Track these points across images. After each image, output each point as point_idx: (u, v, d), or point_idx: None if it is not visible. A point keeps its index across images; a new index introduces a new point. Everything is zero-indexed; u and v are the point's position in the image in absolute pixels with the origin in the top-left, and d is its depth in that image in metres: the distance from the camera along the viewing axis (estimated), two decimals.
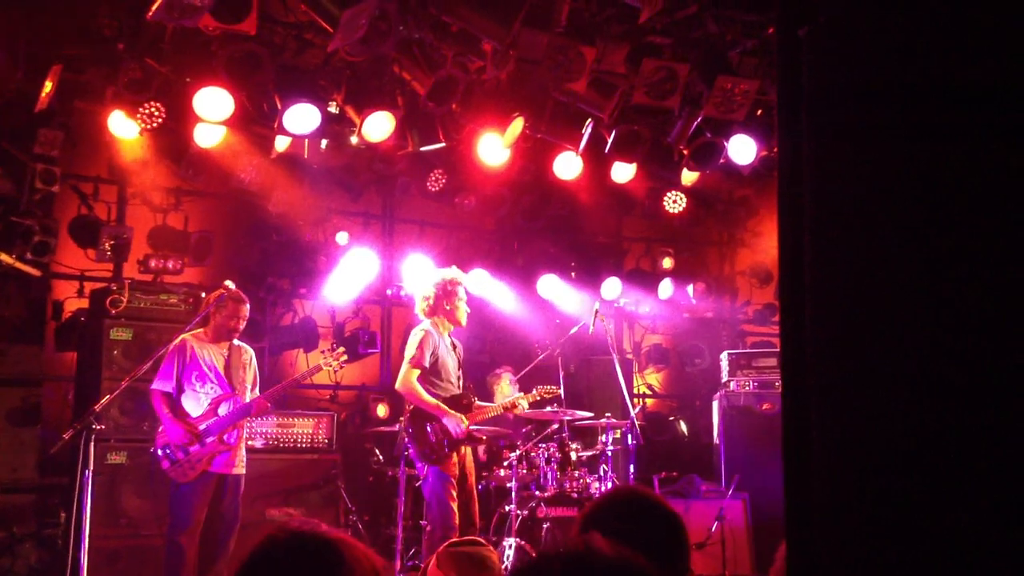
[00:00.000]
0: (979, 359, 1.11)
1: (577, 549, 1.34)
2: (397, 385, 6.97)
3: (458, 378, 7.14)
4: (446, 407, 6.88)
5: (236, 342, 6.89)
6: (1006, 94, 1.15)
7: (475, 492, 7.11)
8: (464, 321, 7.22)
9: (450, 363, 7.07)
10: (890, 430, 1.15)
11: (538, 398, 7.58)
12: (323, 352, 7.27)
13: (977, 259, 1.13)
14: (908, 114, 1.20)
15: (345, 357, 7.13)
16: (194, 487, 6.46)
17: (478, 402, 7.19)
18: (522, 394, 7.69)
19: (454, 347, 7.21)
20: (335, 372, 7.73)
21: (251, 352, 7.02)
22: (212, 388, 6.64)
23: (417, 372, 6.86)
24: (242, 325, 6.83)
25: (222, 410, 6.60)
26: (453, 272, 7.27)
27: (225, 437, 6.55)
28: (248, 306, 6.87)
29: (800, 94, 1.32)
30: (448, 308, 7.08)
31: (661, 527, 2.52)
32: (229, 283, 6.63)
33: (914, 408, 1.13)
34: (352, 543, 1.89)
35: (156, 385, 6.59)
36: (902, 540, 1.11)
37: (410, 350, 6.93)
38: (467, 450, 7.09)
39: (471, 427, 6.96)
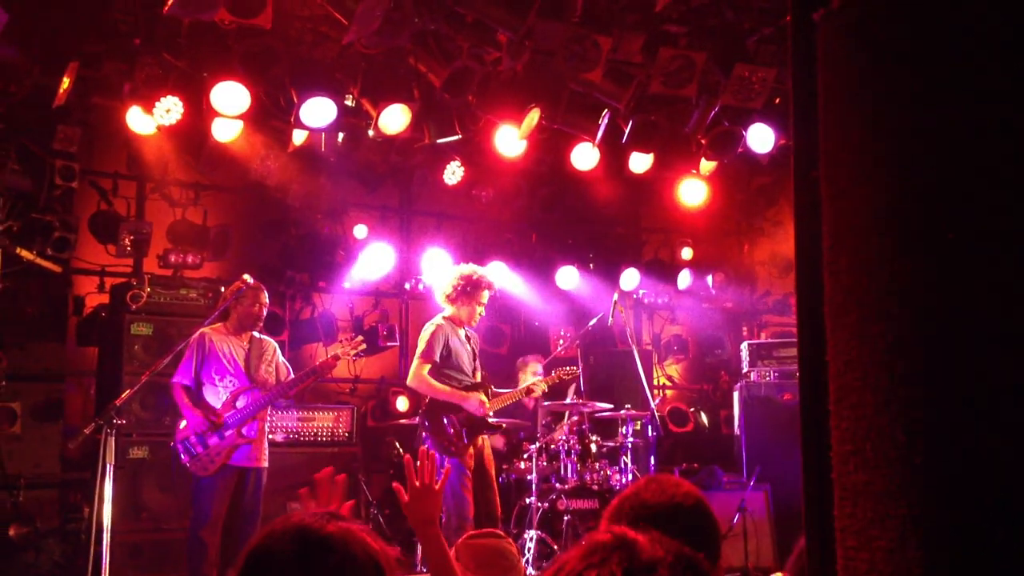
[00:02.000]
0: (998, 344, 1.09)
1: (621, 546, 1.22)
2: (408, 380, 7.00)
3: (474, 370, 7.14)
4: (459, 392, 6.90)
5: (257, 335, 6.89)
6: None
7: (495, 484, 7.10)
8: (474, 323, 7.19)
9: (464, 355, 7.08)
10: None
11: (557, 380, 7.55)
12: (341, 341, 7.21)
13: (993, 249, 1.11)
14: (924, 101, 1.18)
15: (364, 346, 7.04)
16: (214, 481, 6.47)
17: (495, 389, 7.18)
18: (539, 378, 7.66)
19: (468, 339, 7.20)
20: (354, 360, 7.66)
21: (273, 344, 7.03)
22: (231, 381, 6.64)
23: (428, 366, 6.88)
24: (264, 312, 6.84)
25: (240, 403, 6.60)
26: (484, 271, 7.25)
27: (244, 430, 6.54)
28: (267, 294, 6.89)
29: (814, 79, 1.29)
30: (465, 303, 7.06)
31: (696, 518, 2.46)
32: (247, 277, 6.64)
33: (933, 394, 1.12)
34: (355, 536, 1.88)
35: (176, 379, 6.60)
36: (922, 528, 1.09)
37: (420, 345, 6.96)
38: (485, 442, 7.09)
39: (490, 415, 6.96)
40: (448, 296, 7.10)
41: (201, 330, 6.60)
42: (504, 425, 7.44)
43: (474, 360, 7.19)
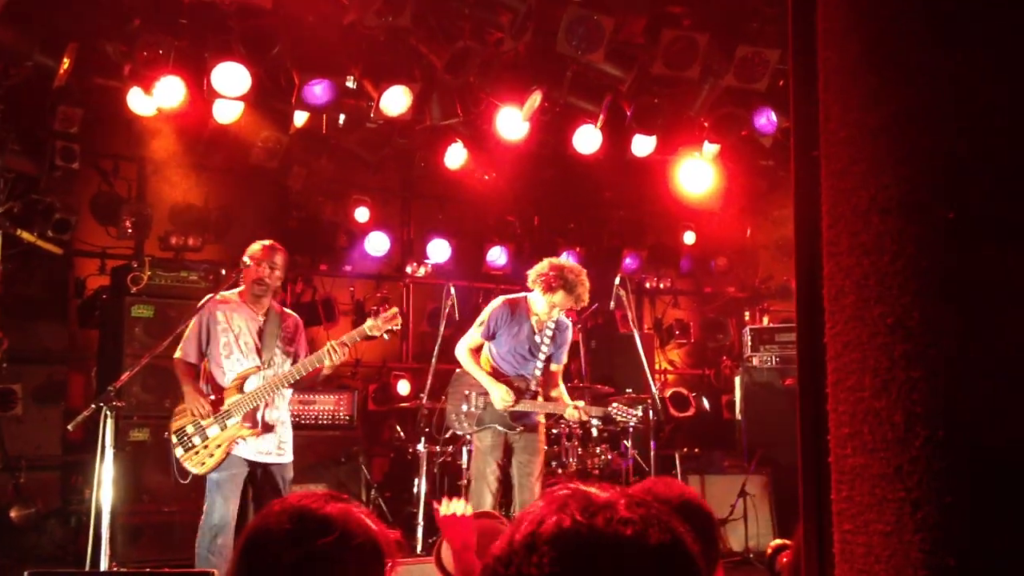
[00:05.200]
0: (1001, 326, 1.07)
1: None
2: (456, 349, 6.71)
3: (525, 359, 6.59)
4: (491, 378, 6.50)
5: (285, 309, 6.24)
6: None
7: (534, 485, 6.54)
8: (543, 317, 6.56)
9: (519, 344, 6.58)
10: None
11: (596, 416, 7.03)
12: (371, 313, 6.06)
13: (997, 229, 1.09)
14: (926, 78, 1.16)
15: (399, 321, 6.02)
16: (219, 477, 5.69)
17: (533, 389, 6.59)
18: (581, 403, 6.80)
19: (539, 330, 6.59)
20: (387, 337, 6.56)
21: (296, 319, 6.24)
22: (239, 361, 5.82)
23: (473, 339, 6.61)
24: (272, 274, 5.91)
25: (248, 386, 5.77)
26: (571, 276, 6.46)
27: (249, 419, 5.72)
28: (282, 256, 6.00)
29: (814, 56, 1.27)
30: (541, 294, 6.47)
31: (702, 516, 2.53)
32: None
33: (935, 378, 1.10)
34: (354, 516, 1.88)
35: (178, 354, 5.82)
36: (920, 511, 1.08)
37: (480, 317, 6.66)
38: (525, 436, 6.59)
39: (512, 408, 6.49)
40: (534, 282, 6.55)
41: (209, 297, 5.90)
42: (520, 429, 6.60)
43: (532, 354, 6.59)
